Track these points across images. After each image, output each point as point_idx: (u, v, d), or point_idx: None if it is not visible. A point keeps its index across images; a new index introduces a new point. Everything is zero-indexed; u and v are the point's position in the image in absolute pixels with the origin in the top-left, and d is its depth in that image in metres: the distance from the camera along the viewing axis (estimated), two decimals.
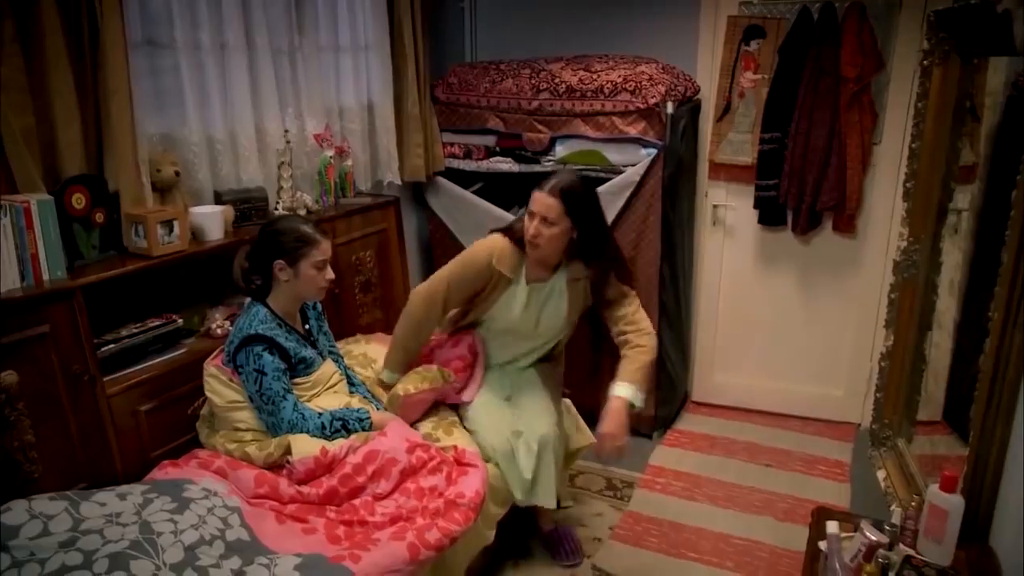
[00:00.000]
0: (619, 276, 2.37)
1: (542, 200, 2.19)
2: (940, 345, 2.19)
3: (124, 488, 1.82)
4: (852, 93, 3.04)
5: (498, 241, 2.31)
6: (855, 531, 1.60)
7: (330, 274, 2.20)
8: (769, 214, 3.37)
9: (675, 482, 3.06)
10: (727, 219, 3.48)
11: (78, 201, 2.04)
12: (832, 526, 1.55)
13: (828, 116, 3.10)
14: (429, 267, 3.68)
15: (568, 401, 2.85)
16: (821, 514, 1.79)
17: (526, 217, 2.24)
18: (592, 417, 2.99)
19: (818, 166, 3.15)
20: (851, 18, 3.00)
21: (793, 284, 3.47)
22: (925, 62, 2.03)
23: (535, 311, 2.38)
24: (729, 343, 3.64)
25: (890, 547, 1.53)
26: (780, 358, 3.58)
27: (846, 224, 3.27)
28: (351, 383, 2.41)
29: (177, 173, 2.29)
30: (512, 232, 2.31)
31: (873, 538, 1.49)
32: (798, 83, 3.12)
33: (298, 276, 2.14)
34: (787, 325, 3.52)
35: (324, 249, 2.16)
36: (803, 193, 3.22)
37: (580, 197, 2.22)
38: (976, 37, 1.81)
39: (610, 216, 3.09)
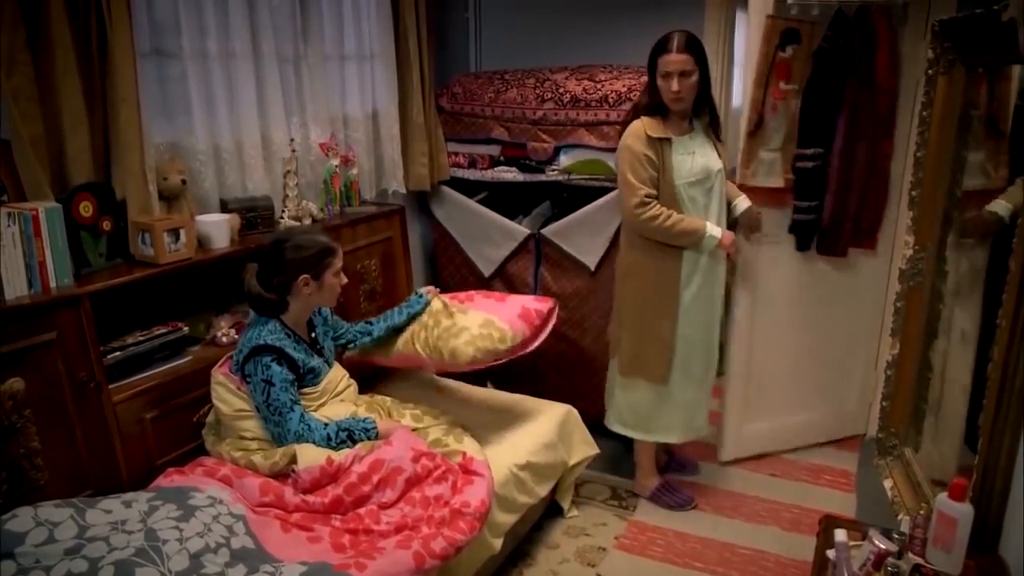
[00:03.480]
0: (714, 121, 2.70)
1: (676, 58, 2.45)
2: (947, 353, 2.18)
3: (130, 495, 1.82)
4: (887, 104, 2.89)
5: (636, 124, 2.54)
6: (863, 540, 1.59)
7: (344, 278, 2.23)
8: (809, 239, 3.06)
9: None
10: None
11: (85, 209, 2.05)
12: (840, 534, 1.55)
13: (869, 128, 2.91)
14: (433, 276, 3.68)
15: (575, 412, 2.84)
16: (829, 522, 1.78)
17: (659, 80, 2.50)
18: (596, 426, 3.00)
19: (862, 183, 2.96)
20: (882, 23, 2.81)
21: (797, 296, 3.22)
22: (930, 71, 2.03)
23: (698, 156, 2.59)
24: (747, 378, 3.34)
25: (899, 555, 1.52)
26: (792, 382, 3.28)
27: (871, 240, 3.11)
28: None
29: (184, 181, 2.31)
30: (640, 110, 2.57)
31: (882, 546, 1.49)
32: (836, 93, 2.86)
33: (322, 287, 2.16)
34: (794, 337, 3.27)
35: (340, 254, 2.21)
36: (845, 213, 3.00)
37: (700, 45, 2.52)
38: (981, 46, 1.81)
39: (615, 224, 3.10)
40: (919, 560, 1.54)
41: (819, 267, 3.17)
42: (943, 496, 1.54)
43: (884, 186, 3.04)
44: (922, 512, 1.61)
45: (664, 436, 2.85)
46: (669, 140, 2.55)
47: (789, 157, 2.95)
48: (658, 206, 2.53)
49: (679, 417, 2.81)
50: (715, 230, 2.59)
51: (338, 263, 2.20)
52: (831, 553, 1.58)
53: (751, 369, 3.17)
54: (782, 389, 3.24)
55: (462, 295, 2.68)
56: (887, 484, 2.20)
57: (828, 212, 3.00)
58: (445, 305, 2.54)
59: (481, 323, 2.44)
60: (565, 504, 2.85)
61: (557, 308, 2.74)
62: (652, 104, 2.55)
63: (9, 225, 1.82)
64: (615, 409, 2.88)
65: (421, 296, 2.57)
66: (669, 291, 2.66)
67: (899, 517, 1.98)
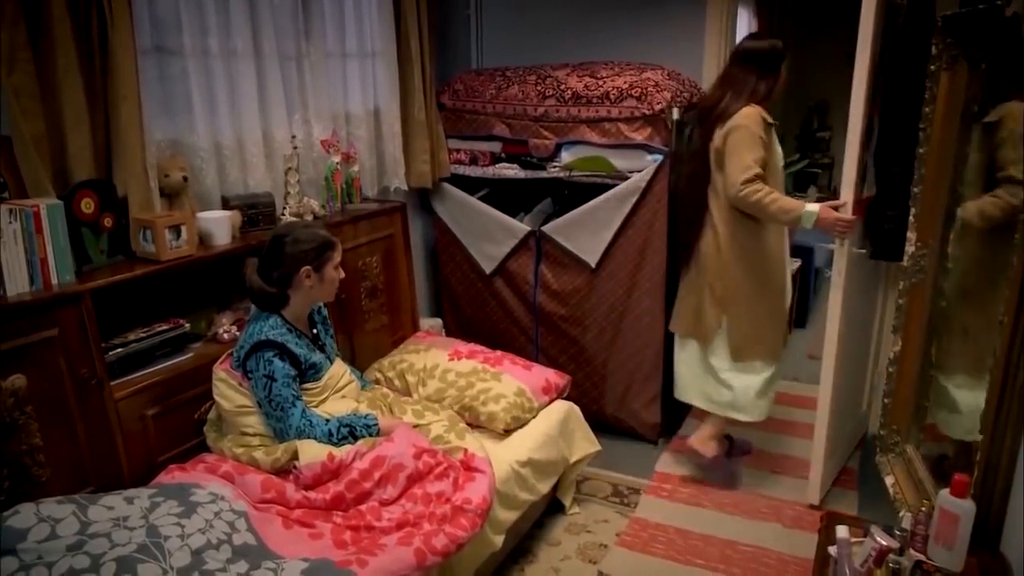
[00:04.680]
0: None
1: None
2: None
3: (131, 492, 1.82)
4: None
5: (751, 109, 2.66)
6: (865, 536, 1.59)
7: (342, 272, 2.25)
8: (891, 247, 2.75)
9: (681, 488, 3.05)
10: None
11: (87, 206, 2.04)
12: (842, 530, 1.54)
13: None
14: (435, 274, 3.69)
15: (576, 408, 2.84)
16: (831, 519, 1.78)
17: (786, 73, 2.74)
18: (597, 423, 3.00)
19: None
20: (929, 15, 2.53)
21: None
22: (932, 67, 2.02)
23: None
24: None
25: (900, 552, 1.52)
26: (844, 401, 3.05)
27: None
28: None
29: (185, 178, 2.30)
30: (756, 96, 2.70)
31: (883, 543, 1.49)
32: (902, 91, 2.59)
33: (323, 280, 2.17)
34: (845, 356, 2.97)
35: (339, 248, 2.22)
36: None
37: None
38: (984, 42, 1.81)
39: (616, 222, 3.10)
40: (920, 556, 1.54)
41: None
42: (945, 492, 1.53)
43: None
44: (923, 509, 1.61)
45: (761, 413, 2.93)
46: (772, 126, 2.71)
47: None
48: (761, 183, 2.62)
49: (773, 393, 2.94)
50: (813, 206, 2.62)
51: (338, 257, 2.21)
52: (833, 550, 1.57)
53: (841, 392, 2.86)
54: (847, 404, 3.05)
55: (491, 355, 2.81)
56: (889, 481, 2.20)
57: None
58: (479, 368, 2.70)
59: (516, 391, 2.61)
60: (566, 501, 2.86)
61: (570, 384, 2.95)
62: (766, 95, 2.71)
63: (10, 222, 1.82)
64: (736, 395, 2.89)
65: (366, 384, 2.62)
66: (780, 266, 2.81)
67: (900, 514, 1.98)
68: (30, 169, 1.93)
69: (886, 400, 2.33)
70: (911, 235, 2.17)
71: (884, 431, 2.32)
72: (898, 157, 2.60)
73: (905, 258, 2.21)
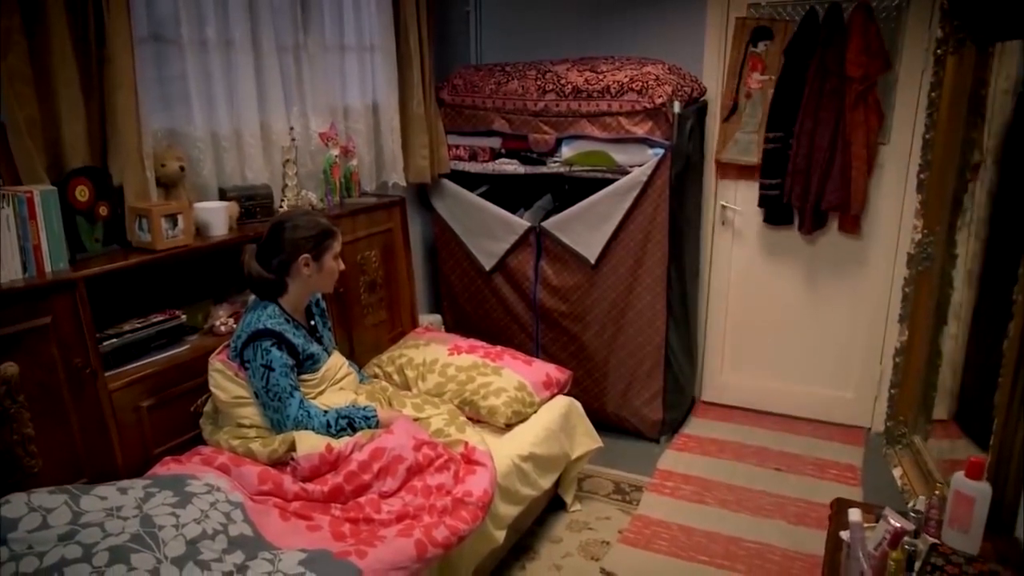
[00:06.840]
0: None
1: None
2: (955, 340, 2.15)
3: (125, 482, 1.78)
4: (857, 93, 3.01)
5: None
6: (876, 522, 1.55)
7: (342, 264, 2.22)
8: (774, 213, 3.37)
9: (684, 486, 3.01)
10: (735, 220, 3.45)
11: (81, 193, 2.01)
12: (855, 513, 1.50)
13: (833, 116, 3.07)
14: (434, 270, 3.65)
15: (577, 404, 2.81)
16: (842, 504, 1.74)
17: None
18: (598, 421, 2.96)
19: (822, 165, 3.13)
20: (857, 18, 2.98)
21: (801, 285, 3.44)
22: (939, 51, 2.00)
23: None
24: (738, 344, 3.61)
25: (915, 535, 1.48)
26: (789, 360, 3.53)
27: (852, 224, 3.24)
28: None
29: (182, 168, 2.27)
30: None
31: (898, 525, 1.45)
32: (803, 83, 3.11)
33: (321, 269, 2.14)
34: (796, 326, 3.48)
35: (340, 238, 2.19)
36: (807, 192, 3.20)
37: None
38: (993, 22, 1.79)
39: (617, 217, 3.08)
40: (935, 540, 1.50)
41: (803, 247, 3.40)
42: (960, 475, 1.50)
43: (846, 170, 3.12)
44: (937, 493, 1.57)
45: None
46: None
47: (763, 139, 3.25)
48: None
49: None
50: None
51: (338, 246, 2.18)
52: (845, 535, 1.54)
53: (726, 329, 3.61)
54: (765, 352, 3.57)
55: (491, 349, 2.79)
56: (896, 473, 2.17)
57: (787, 190, 3.25)
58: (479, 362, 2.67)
59: (516, 386, 2.58)
60: (568, 498, 2.82)
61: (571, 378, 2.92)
62: None
63: (3, 207, 1.78)
64: None
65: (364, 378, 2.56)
66: None
67: (909, 505, 1.94)
68: (24, 156, 1.90)
69: (893, 391, 2.30)
70: (917, 222, 2.15)
71: (891, 422, 2.29)
72: (780, 129, 3.19)
73: (911, 246, 2.19)
